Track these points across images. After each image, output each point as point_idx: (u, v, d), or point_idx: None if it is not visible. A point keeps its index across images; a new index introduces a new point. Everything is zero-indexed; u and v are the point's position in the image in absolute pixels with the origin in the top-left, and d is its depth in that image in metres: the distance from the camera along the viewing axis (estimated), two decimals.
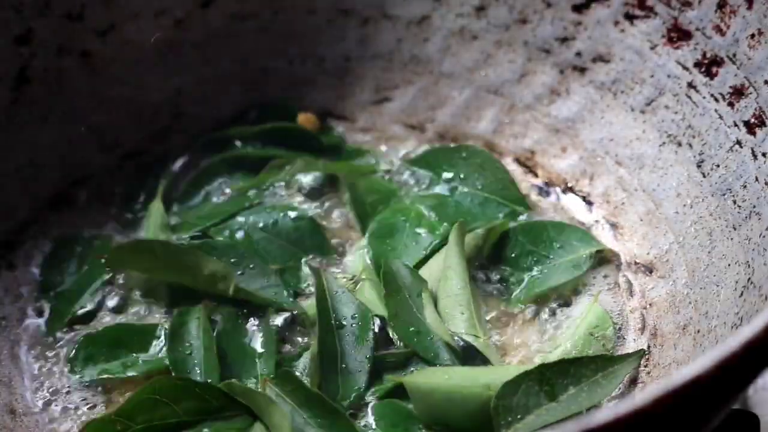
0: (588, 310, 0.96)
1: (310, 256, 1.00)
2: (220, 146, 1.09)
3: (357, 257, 1.01)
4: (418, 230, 1.01)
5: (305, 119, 1.10)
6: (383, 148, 1.10)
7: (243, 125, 1.10)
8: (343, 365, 0.92)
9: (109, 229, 1.05)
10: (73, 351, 0.95)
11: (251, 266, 0.98)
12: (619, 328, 0.96)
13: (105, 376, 0.94)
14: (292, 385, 0.89)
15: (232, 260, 0.98)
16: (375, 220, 1.02)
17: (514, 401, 0.86)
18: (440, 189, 1.05)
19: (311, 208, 1.04)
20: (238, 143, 1.09)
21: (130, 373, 0.93)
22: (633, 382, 0.93)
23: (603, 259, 1.01)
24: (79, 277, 1.00)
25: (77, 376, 0.94)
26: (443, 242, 0.99)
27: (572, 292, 0.98)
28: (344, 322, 0.94)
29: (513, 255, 1.00)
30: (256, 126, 1.09)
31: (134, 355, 0.95)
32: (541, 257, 0.99)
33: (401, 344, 0.93)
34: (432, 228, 1.01)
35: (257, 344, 0.95)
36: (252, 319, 0.96)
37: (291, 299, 0.97)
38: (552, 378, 0.87)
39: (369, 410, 0.90)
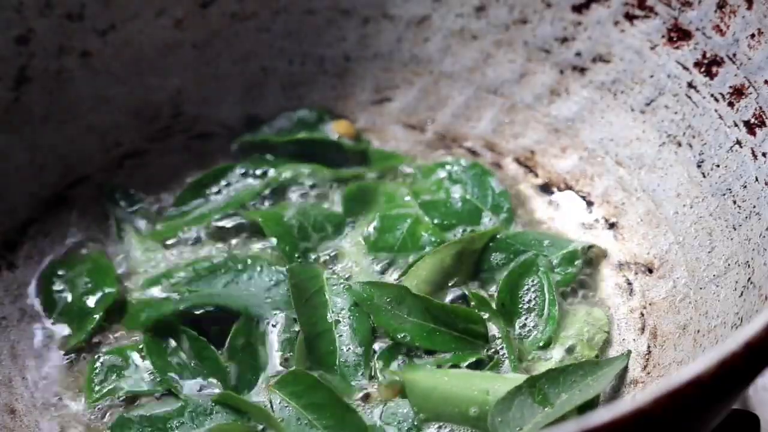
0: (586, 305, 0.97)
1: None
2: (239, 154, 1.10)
3: (348, 250, 1.01)
4: (419, 229, 1.01)
5: (340, 126, 1.10)
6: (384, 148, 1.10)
7: (270, 131, 1.10)
8: (342, 360, 0.92)
9: (109, 232, 1.05)
10: (95, 374, 0.95)
11: (259, 269, 0.98)
12: (619, 328, 0.97)
13: (122, 386, 0.94)
14: (304, 384, 0.89)
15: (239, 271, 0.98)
16: (379, 213, 1.02)
17: (509, 416, 0.86)
18: (437, 190, 1.06)
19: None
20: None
21: (142, 388, 0.94)
22: (633, 382, 0.93)
23: (602, 258, 1.01)
24: (77, 298, 1.00)
25: (97, 395, 0.94)
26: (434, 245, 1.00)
27: (571, 290, 0.98)
28: (340, 317, 0.94)
29: (505, 257, 0.99)
30: (282, 136, 1.09)
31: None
32: (532, 256, 0.99)
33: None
34: (433, 231, 1.01)
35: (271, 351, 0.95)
36: (267, 324, 0.97)
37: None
38: (543, 388, 0.88)
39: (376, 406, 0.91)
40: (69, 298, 1.00)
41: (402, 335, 0.93)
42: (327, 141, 1.09)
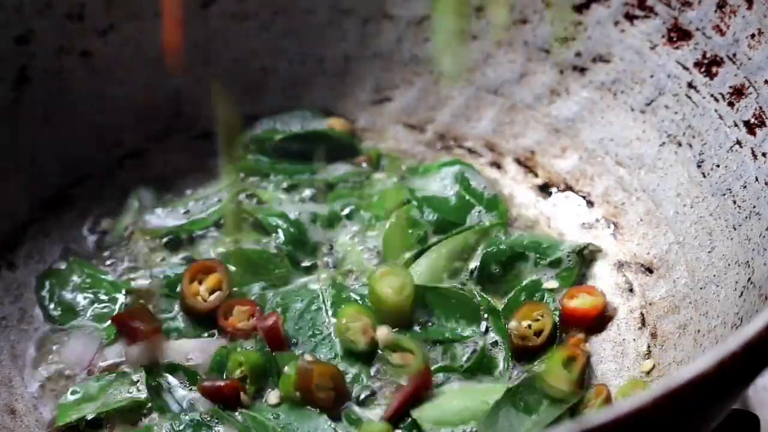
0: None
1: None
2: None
3: (345, 249, 1.01)
4: (417, 227, 1.01)
5: (336, 124, 1.10)
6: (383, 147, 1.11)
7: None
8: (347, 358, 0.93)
9: (105, 224, 1.05)
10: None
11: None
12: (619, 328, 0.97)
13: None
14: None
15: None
16: (383, 215, 1.03)
17: (498, 428, 0.88)
18: (434, 185, 1.06)
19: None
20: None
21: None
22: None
23: (602, 258, 1.01)
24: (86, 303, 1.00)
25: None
26: (430, 244, 1.00)
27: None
28: (338, 318, 0.95)
29: (502, 260, 0.99)
30: (288, 132, 1.09)
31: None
32: (528, 258, 0.99)
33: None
34: (419, 227, 1.01)
35: None
36: None
37: None
38: (522, 396, 0.89)
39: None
40: (74, 301, 1.00)
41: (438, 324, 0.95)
42: (322, 133, 1.08)
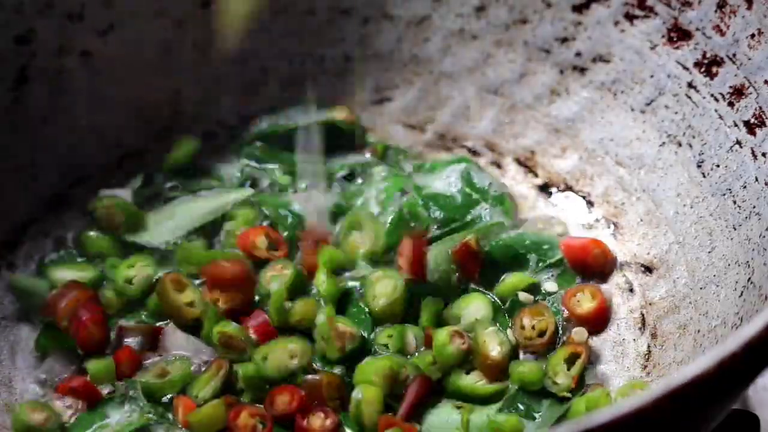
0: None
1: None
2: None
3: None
4: (408, 219, 1.01)
5: (339, 114, 1.09)
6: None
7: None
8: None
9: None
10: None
11: None
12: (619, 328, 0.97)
13: None
14: None
15: None
16: (389, 208, 1.03)
17: None
18: (440, 182, 1.05)
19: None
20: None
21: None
22: None
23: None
24: None
25: None
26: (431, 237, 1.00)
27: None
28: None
29: (503, 259, 0.99)
30: (293, 124, 1.09)
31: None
32: (530, 259, 0.99)
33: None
34: (423, 221, 1.01)
35: None
36: None
37: None
38: (523, 402, 0.90)
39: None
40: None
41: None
42: (324, 124, 1.08)
